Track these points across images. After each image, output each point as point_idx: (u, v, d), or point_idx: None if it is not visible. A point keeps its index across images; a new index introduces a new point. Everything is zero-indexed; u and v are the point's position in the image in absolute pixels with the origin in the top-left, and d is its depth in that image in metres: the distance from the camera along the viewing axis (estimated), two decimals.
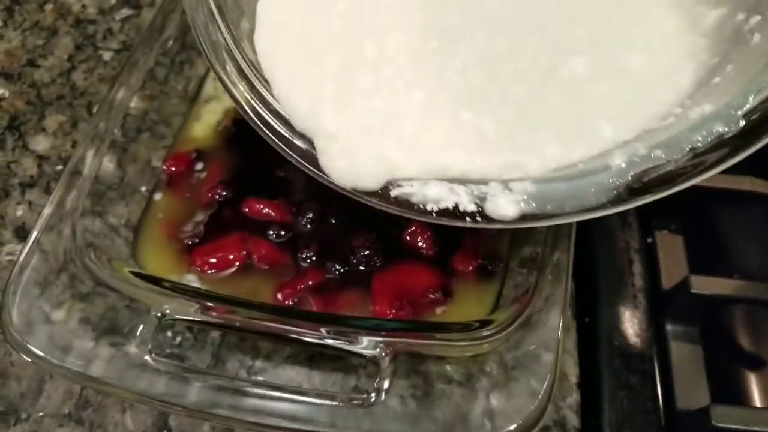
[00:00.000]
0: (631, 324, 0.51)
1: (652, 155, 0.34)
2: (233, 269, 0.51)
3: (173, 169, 0.57)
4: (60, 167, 0.61)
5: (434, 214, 0.37)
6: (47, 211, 0.48)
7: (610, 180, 0.35)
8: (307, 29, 0.44)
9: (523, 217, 0.36)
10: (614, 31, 0.43)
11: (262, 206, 0.52)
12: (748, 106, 0.33)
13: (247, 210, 0.53)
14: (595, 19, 0.43)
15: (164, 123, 0.60)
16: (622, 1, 0.44)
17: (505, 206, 0.36)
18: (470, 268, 0.50)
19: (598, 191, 0.35)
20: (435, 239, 0.50)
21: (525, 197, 0.36)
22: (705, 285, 0.49)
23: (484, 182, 0.38)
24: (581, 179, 0.35)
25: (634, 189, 0.35)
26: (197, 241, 0.52)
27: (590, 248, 0.55)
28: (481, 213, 0.36)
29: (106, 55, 0.70)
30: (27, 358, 0.41)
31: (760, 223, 0.56)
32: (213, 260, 0.50)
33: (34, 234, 0.47)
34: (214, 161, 0.57)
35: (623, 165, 0.35)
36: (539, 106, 0.40)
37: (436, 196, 0.37)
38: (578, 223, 0.42)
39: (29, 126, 0.64)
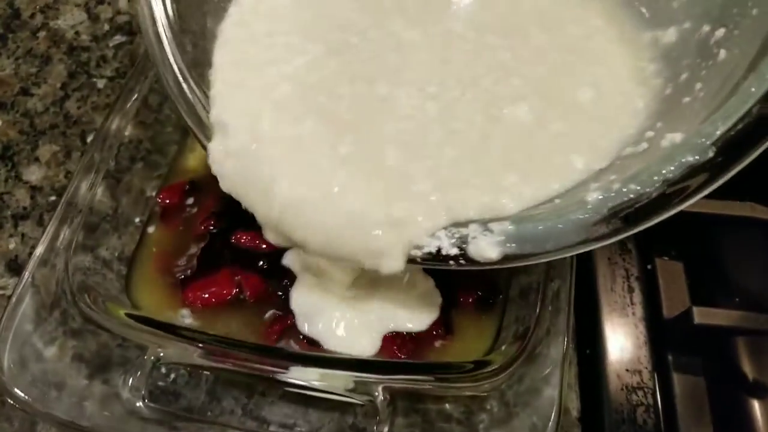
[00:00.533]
0: (632, 355, 0.50)
1: (627, 189, 0.34)
2: (225, 303, 0.50)
3: (167, 201, 0.56)
4: (53, 198, 0.61)
5: (419, 260, 0.37)
6: (40, 249, 0.48)
7: (588, 216, 0.35)
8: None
9: (506, 258, 0.36)
10: (557, 72, 0.43)
11: (249, 238, 0.52)
12: (718, 134, 0.33)
13: (235, 242, 0.52)
14: (533, 65, 0.44)
15: (158, 152, 0.59)
16: (564, 42, 0.45)
17: (486, 248, 0.36)
18: (470, 300, 0.49)
19: (577, 228, 0.35)
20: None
21: (504, 238, 0.36)
22: (707, 316, 0.48)
23: (464, 225, 0.37)
24: (559, 217, 0.35)
25: (612, 224, 0.34)
26: (190, 274, 0.51)
27: (590, 276, 0.54)
28: (465, 256, 0.36)
29: (100, 83, 0.69)
30: (16, 405, 0.40)
31: (761, 249, 0.55)
32: (206, 295, 0.50)
33: (27, 272, 0.46)
34: (207, 192, 0.57)
35: (599, 200, 0.35)
36: (489, 157, 0.40)
37: (417, 240, 0.37)
38: None
39: (22, 156, 0.64)
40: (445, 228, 0.37)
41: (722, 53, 0.37)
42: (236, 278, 0.50)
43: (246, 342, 0.45)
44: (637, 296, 0.54)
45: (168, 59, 0.45)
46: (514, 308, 0.49)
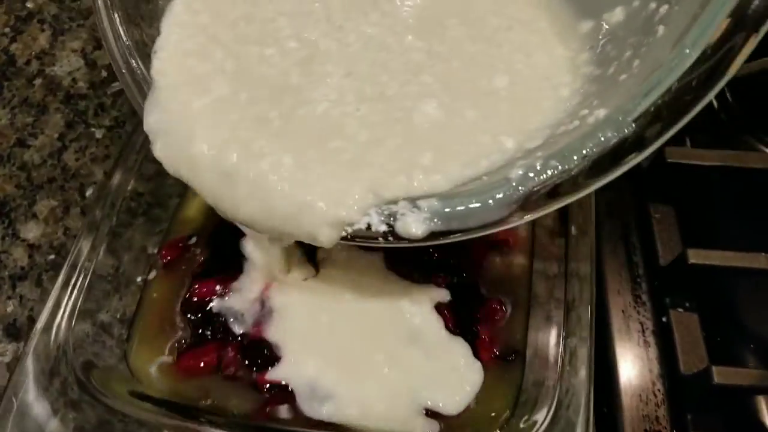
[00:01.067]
0: (651, 415, 0.49)
1: (548, 165, 0.34)
2: (216, 372, 0.49)
3: (168, 257, 0.55)
4: (52, 257, 0.59)
5: (350, 236, 0.37)
6: (42, 318, 0.46)
7: (510, 193, 0.35)
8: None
9: (431, 235, 0.36)
10: (472, 64, 0.44)
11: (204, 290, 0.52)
12: (638, 110, 0.33)
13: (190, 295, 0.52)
14: (447, 61, 0.44)
15: (159, 206, 0.58)
16: (482, 34, 0.46)
17: (412, 225, 0.36)
18: (490, 357, 0.48)
19: (500, 205, 0.35)
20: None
21: (431, 215, 0.36)
22: (727, 376, 0.47)
23: (394, 202, 0.37)
24: (484, 194, 0.36)
25: (532, 201, 0.35)
26: (185, 345, 0.50)
27: (605, 331, 0.53)
28: (392, 233, 0.37)
29: (98, 133, 0.68)
30: None
31: None
32: (201, 365, 0.49)
33: (30, 344, 0.45)
34: (207, 244, 0.56)
35: (520, 176, 0.35)
36: (410, 141, 0.40)
37: (348, 217, 0.37)
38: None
39: (19, 212, 0.62)
40: (375, 205, 0.37)
41: (660, 29, 0.37)
42: (220, 352, 0.49)
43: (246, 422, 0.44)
44: (653, 351, 0.52)
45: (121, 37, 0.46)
46: (534, 370, 0.48)
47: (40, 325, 0.46)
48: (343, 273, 0.52)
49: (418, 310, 0.49)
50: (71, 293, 0.48)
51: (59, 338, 0.46)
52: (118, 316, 0.52)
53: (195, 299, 0.51)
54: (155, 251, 0.56)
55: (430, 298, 0.49)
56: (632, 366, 0.51)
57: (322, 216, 0.37)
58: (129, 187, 0.54)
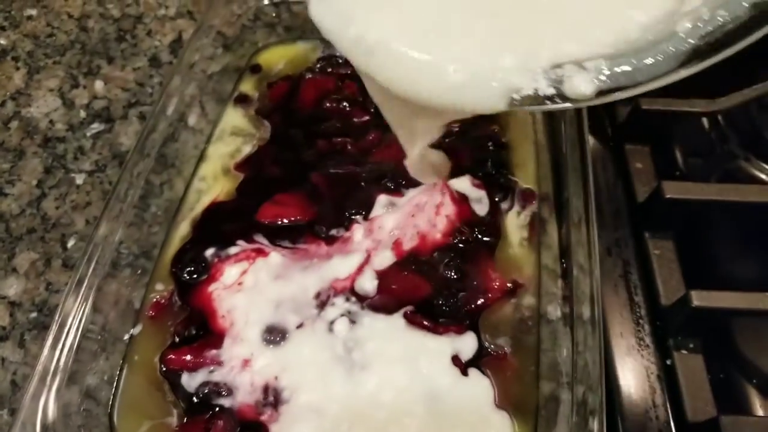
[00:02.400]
0: None
1: (717, 15, 0.35)
2: None
3: (152, 313, 0.53)
4: (34, 314, 0.57)
5: (517, 102, 0.38)
6: (31, 389, 0.44)
7: (678, 46, 0.36)
8: None
9: (600, 93, 0.37)
10: None
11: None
12: None
13: None
14: None
15: (144, 256, 0.56)
16: None
17: (581, 85, 0.37)
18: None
19: (668, 58, 0.36)
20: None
21: (598, 74, 0.37)
22: (737, 426, 0.46)
23: (560, 66, 0.38)
24: (650, 50, 0.37)
25: (701, 50, 0.35)
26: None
27: (610, 377, 0.52)
28: (560, 95, 0.37)
29: (79, 178, 0.66)
30: None
31: None
32: None
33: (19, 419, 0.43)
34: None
35: (689, 28, 0.36)
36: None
37: (518, 83, 0.38)
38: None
39: None
40: (542, 69, 0.38)
41: None
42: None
43: None
44: (659, 397, 0.51)
45: None
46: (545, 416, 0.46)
47: (28, 395, 0.43)
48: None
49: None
50: (59, 358, 0.46)
51: (48, 410, 0.44)
52: (105, 378, 0.50)
53: (168, 369, 0.49)
54: (140, 305, 0.54)
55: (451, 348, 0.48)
56: (639, 414, 0.50)
57: (494, 83, 0.38)
58: (115, 238, 0.52)
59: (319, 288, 0.51)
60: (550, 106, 0.39)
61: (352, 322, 0.49)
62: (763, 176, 0.66)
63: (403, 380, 0.47)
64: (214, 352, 0.49)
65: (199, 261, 0.54)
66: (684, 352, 0.53)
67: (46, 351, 0.45)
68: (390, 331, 0.49)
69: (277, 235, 0.55)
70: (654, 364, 0.53)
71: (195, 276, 0.54)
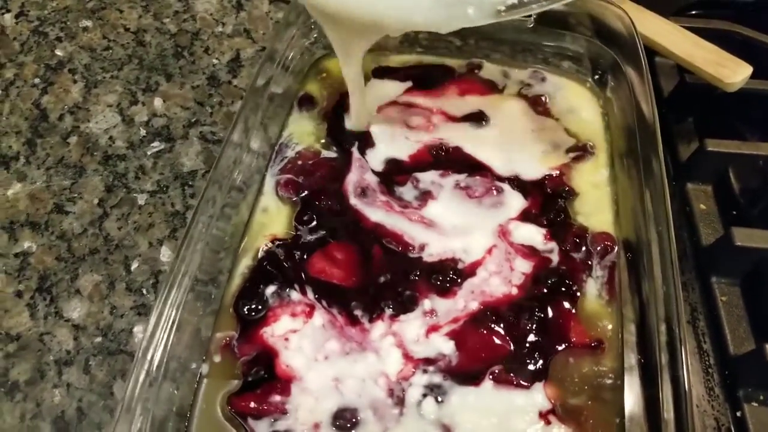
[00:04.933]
0: None
1: None
2: None
3: (221, 348, 0.52)
4: (99, 339, 0.57)
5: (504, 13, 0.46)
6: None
7: None
8: None
9: None
10: None
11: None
12: None
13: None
14: None
15: (212, 283, 0.55)
16: None
17: None
18: None
19: None
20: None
21: None
22: None
23: None
24: None
25: None
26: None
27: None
28: None
29: (141, 199, 0.65)
30: None
31: None
32: None
33: None
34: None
35: None
36: None
37: None
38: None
39: (61, 288, 0.60)
40: None
41: None
42: None
43: None
44: None
45: None
46: None
47: None
48: None
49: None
50: (141, 391, 0.45)
51: None
52: (174, 410, 0.49)
53: (235, 413, 0.48)
54: (209, 334, 0.53)
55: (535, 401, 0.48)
56: None
57: None
58: (192, 268, 0.51)
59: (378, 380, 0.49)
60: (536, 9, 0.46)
61: (439, 400, 0.48)
62: None
63: None
64: (278, 398, 0.48)
65: (259, 299, 0.53)
66: (755, 404, 0.53)
67: (130, 384, 0.44)
68: (480, 398, 0.48)
69: (324, 293, 0.53)
70: (724, 416, 0.53)
71: (254, 315, 0.53)
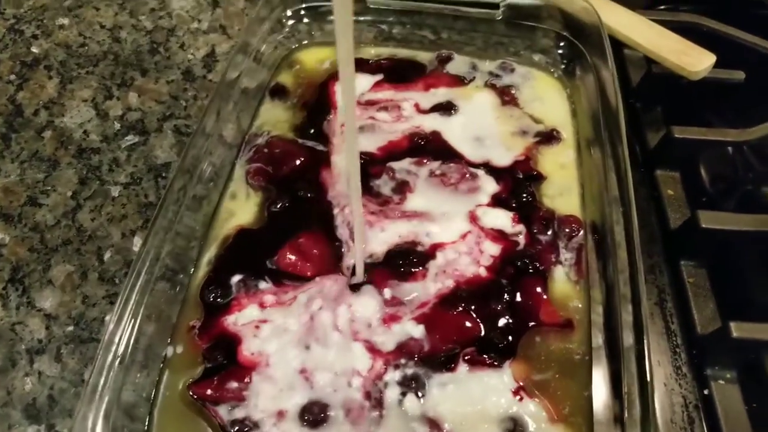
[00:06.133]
0: None
1: None
2: None
3: (187, 333, 0.52)
4: (71, 328, 0.57)
5: None
6: (80, 412, 0.43)
7: None
8: None
9: None
10: None
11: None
12: None
13: None
14: None
15: (182, 271, 0.55)
16: None
17: None
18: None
19: None
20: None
21: None
22: None
23: None
24: None
25: None
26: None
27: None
28: None
29: (114, 190, 0.66)
30: None
31: None
32: None
33: None
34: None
35: None
36: None
37: None
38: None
39: (33, 278, 0.59)
40: None
41: None
42: None
43: None
44: (698, 427, 0.52)
45: None
46: None
47: (78, 416, 0.43)
48: None
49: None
50: (107, 376, 0.45)
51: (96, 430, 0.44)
52: (144, 395, 0.49)
53: (196, 398, 0.48)
54: (175, 321, 0.53)
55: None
56: None
57: None
58: (160, 254, 0.52)
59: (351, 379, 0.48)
60: None
61: (420, 395, 0.47)
62: None
63: (482, 428, 0.46)
64: (235, 385, 0.48)
65: (224, 288, 0.53)
66: (721, 382, 0.54)
67: (94, 369, 0.45)
68: (458, 385, 0.48)
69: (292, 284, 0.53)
70: (692, 394, 0.53)
71: (219, 302, 0.52)
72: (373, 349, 0.49)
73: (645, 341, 0.45)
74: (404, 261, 0.53)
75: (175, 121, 0.71)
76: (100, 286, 0.59)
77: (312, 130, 0.63)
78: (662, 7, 0.85)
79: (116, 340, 0.46)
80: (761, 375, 0.54)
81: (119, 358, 0.46)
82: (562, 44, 0.69)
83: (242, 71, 0.63)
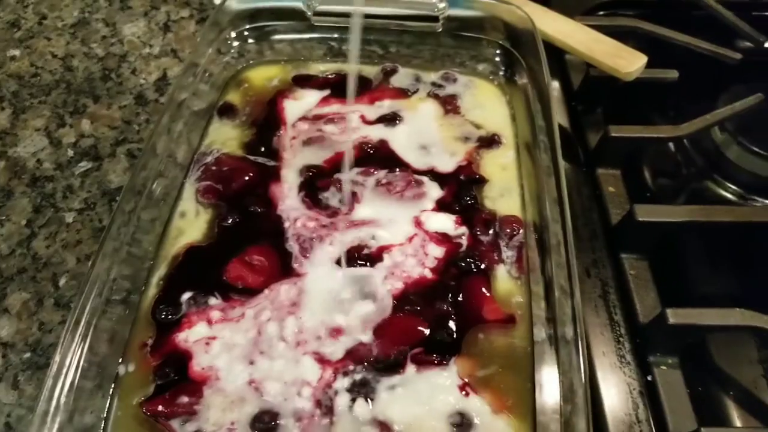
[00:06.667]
0: None
1: None
2: None
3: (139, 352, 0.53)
4: (27, 355, 0.57)
5: None
6: None
7: None
8: None
9: None
10: None
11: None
12: None
13: None
14: None
15: (137, 292, 0.56)
16: None
17: None
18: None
19: None
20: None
21: None
22: None
23: None
24: None
25: None
26: None
27: (595, 396, 0.54)
28: None
29: (68, 217, 0.66)
30: None
31: (755, 355, 0.57)
32: None
33: None
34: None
35: None
36: None
37: None
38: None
39: None
40: None
41: None
42: None
43: None
44: (643, 413, 0.54)
45: None
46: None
47: None
48: None
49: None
50: (59, 398, 0.46)
51: None
52: (97, 415, 0.50)
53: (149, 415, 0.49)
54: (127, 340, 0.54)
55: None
56: (624, 430, 0.52)
57: None
58: (110, 276, 0.53)
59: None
60: None
61: (369, 399, 0.48)
62: (728, 195, 0.70)
63: (430, 427, 0.48)
64: (186, 399, 0.48)
65: (174, 305, 0.54)
66: (663, 368, 0.56)
67: (45, 392, 0.45)
68: (407, 386, 0.49)
69: (241, 298, 0.54)
70: (636, 381, 0.56)
71: (170, 319, 0.53)
72: (322, 360, 0.50)
73: (579, 331, 0.47)
74: (352, 263, 0.55)
75: (128, 146, 0.72)
76: (56, 311, 0.60)
77: (262, 147, 0.65)
78: (601, 12, 0.88)
79: (66, 363, 0.47)
80: (702, 360, 0.57)
81: (69, 381, 0.46)
82: (502, 53, 0.72)
83: (190, 91, 0.64)
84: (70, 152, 0.72)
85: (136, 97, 0.78)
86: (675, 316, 0.54)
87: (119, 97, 0.77)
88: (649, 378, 0.56)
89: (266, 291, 0.54)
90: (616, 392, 0.55)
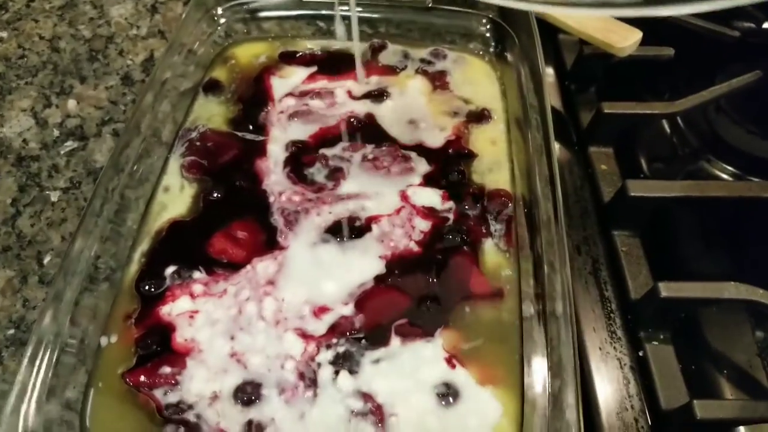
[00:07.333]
0: None
1: None
2: None
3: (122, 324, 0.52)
4: (12, 331, 0.56)
5: None
6: (10, 402, 0.43)
7: None
8: None
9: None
10: None
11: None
12: None
13: None
14: None
15: (121, 269, 0.55)
16: None
17: None
18: None
19: None
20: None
21: None
22: (709, 410, 0.47)
23: None
24: None
25: None
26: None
27: (585, 370, 0.53)
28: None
29: (53, 196, 0.66)
30: None
31: (749, 328, 0.56)
32: None
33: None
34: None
35: None
36: None
37: None
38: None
39: None
40: None
41: None
42: None
43: None
44: (633, 387, 0.53)
45: None
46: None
47: (8, 409, 0.43)
48: None
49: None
50: (38, 372, 0.45)
51: (28, 424, 0.43)
52: (78, 386, 0.49)
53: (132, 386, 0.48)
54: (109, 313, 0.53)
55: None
56: (614, 404, 0.52)
57: None
58: (92, 253, 0.52)
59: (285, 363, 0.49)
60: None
61: (353, 372, 0.48)
62: (723, 176, 0.69)
63: (416, 398, 0.47)
64: (168, 370, 0.48)
65: (158, 279, 0.53)
66: (655, 343, 0.55)
67: (24, 366, 0.45)
68: (391, 359, 0.49)
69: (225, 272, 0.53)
70: (627, 356, 0.55)
71: (153, 292, 0.53)
72: (305, 335, 0.50)
73: (569, 306, 0.46)
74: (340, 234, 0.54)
75: (114, 125, 0.71)
76: (40, 289, 0.59)
77: (248, 122, 0.64)
78: None
79: (45, 337, 0.46)
80: (694, 334, 0.56)
81: (50, 351, 0.46)
82: (493, 28, 0.71)
83: (174, 69, 0.63)
84: (56, 132, 0.71)
85: (122, 77, 0.77)
86: (667, 289, 0.53)
87: (106, 78, 0.76)
88: (640, 353, 0.55)
89: (244, 269, 0.53)
90: (606, 367, 0.54)
